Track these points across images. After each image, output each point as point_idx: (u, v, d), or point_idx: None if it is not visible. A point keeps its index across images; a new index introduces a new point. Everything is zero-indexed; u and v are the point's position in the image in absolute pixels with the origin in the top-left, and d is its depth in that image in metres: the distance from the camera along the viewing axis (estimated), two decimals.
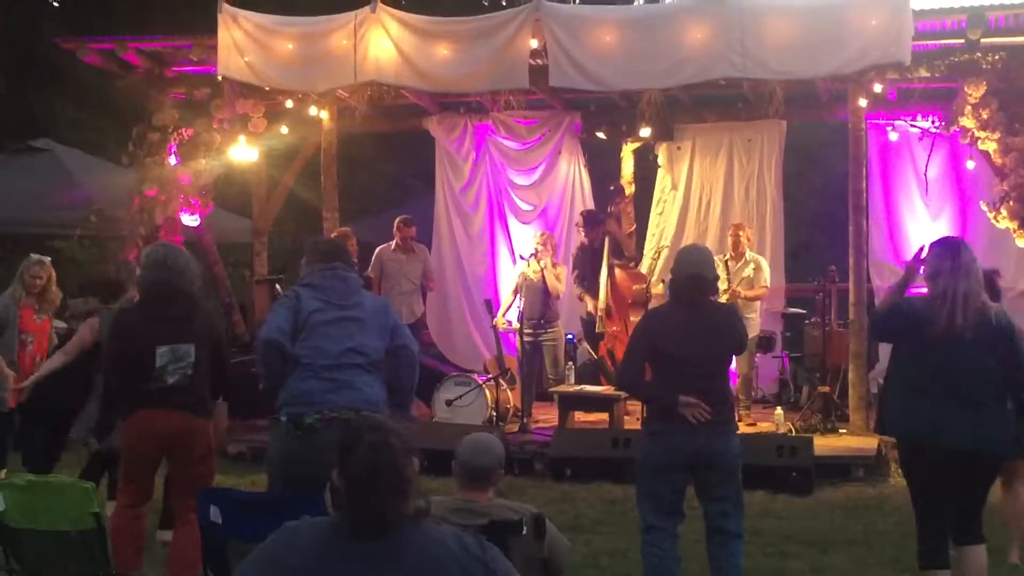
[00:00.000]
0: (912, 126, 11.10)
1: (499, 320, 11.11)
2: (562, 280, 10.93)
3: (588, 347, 11.13)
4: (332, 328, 5.26)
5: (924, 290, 5.54)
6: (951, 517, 5.44)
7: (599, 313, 10.78)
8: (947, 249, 5.45)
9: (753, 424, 10.49)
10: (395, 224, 11.31)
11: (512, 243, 12.68)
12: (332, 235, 11.14)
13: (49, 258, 8.68)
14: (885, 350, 10.83)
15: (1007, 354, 5.33)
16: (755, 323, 10.76)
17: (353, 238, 11.00)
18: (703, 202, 12.30)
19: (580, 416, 10.61)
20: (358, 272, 10.67)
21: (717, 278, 6.13)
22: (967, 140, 10.03)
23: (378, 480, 2.84)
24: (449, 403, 10.46)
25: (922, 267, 5.53)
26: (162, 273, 5.95)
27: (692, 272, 5.77)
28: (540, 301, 10.81)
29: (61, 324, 12.49)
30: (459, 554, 2.88)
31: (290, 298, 5.45)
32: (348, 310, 5.34)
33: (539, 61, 10.05)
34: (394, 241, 11.28)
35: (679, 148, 12.39)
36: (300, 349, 5.25)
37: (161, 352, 5.80)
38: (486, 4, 22.16)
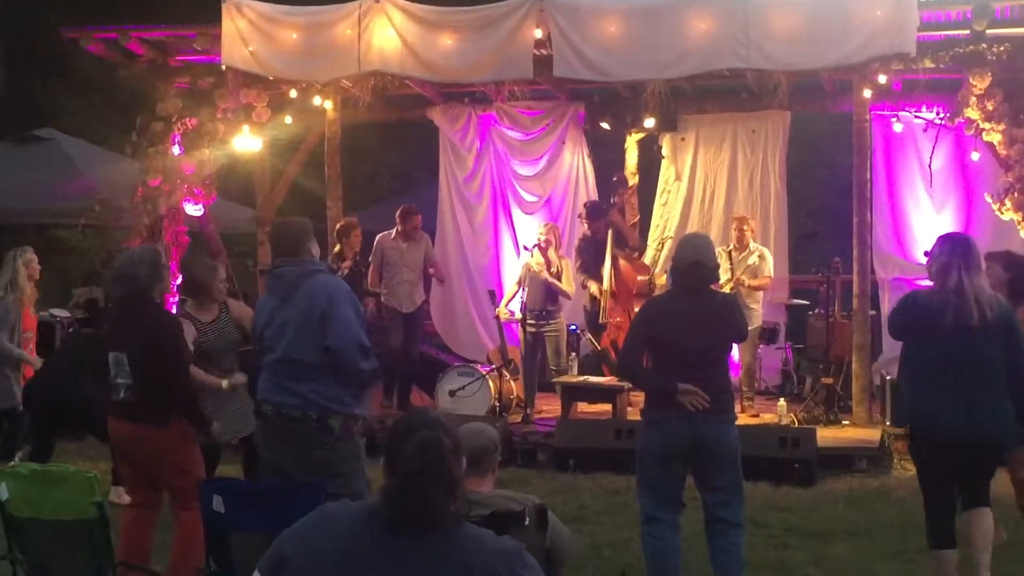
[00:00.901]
0: (917, 117, 11.06)
1: (502, 310, 11.11)
2: (570, 278, 10.90)
3: (591, 338, 11.13)
4: (274, 339, 5.42)
5: (927, 283, 5.65)
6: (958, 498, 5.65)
7: (602, 299, 10.77)
8: (955, 244, 5.62)
9: (756, 415, 10.48)
10: (397, 214, 11.27)
11: (516, 233, 12.68)
12: (338, 225, 11.15)
13: None
14: (889, 342, 10.88)
15: (1008, 343, 5.47)
16: (758, 314, 10.75)
17: (358, 228, 10.99)
18: (707, 193, 12.28)
19: (583, 407, 10.60)
20: (357, 257, 10.75)
21: (718, 266, 6.13)
22: (972, 131, 10.00)
23: (427, 478, 2.84)
24: (452, 393, 10.45)
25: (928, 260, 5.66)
26: (116, 281, 6.05)
27: (693, 259, 5.77)
28: (543, 292, 10.80)
29: (65, 313, 12.53)
30: (493, 560, 2.85)
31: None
32: (283, 312, 5.40)
33: (543, 51, 10.03)
34: (395, 229, 11.25)
35: (683, 139, 12.36)
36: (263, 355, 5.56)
37: (110, 360, 5.87)
38: None
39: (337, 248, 10.82)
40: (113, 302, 6.17)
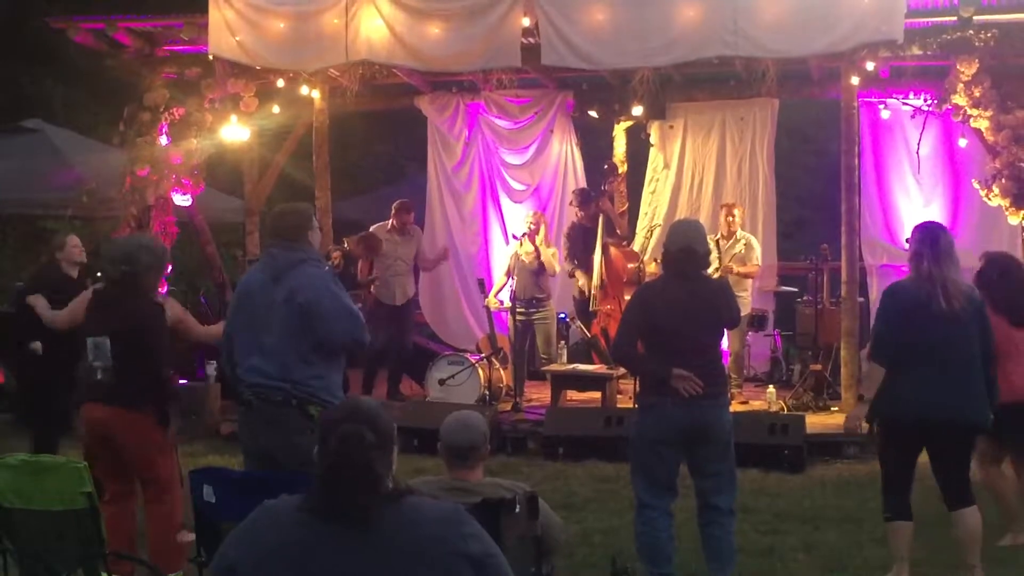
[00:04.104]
0: (904, 104, 11.08)
1: (491, 300, 11.12)
2: (556, 259, 10.96)
3: (581, 326, 11.14)
4: (256, 317, 5.37)
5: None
6: (937, 482, 5.82)
7: (593, 291, 10.79)
8: (925, 234, 5.78)
9: (745, 402, 10.51)
10: (393, 208, 11.30)
11: (505, 222, 12.69)
12: (356, 238, 11.14)
13: None
14: None
15: (980, 328, 5.65)
16: (746, 301, 10.76)
17: (381, 241, 11.01)
18: (695, 181, 12.30)
19: (573, 395, 10.63)
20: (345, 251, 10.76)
21: (709, 252, 6.15)
22: (959, 118, 10.02)
23: (345, 473, 2.83)
24: (442, 382, 10.47)
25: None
26: (105, 266, 6.08)
27: (684, 245, 5.80)
28: (532, 281, 10.83)
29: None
30: (436, 528, 2.85)
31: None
32: (270, 293, 5.35)
33: (531, 40, 10.01)
34: (389, 222, 11.26)
35: (671, 127, 12.37)
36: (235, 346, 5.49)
37: (89, 345, 5.88)
38: None
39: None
40: (97, 290, 6.12)
